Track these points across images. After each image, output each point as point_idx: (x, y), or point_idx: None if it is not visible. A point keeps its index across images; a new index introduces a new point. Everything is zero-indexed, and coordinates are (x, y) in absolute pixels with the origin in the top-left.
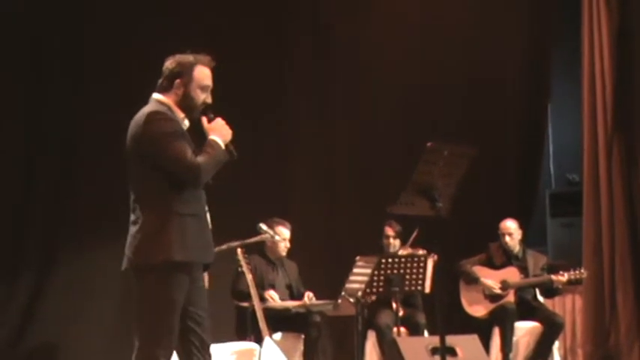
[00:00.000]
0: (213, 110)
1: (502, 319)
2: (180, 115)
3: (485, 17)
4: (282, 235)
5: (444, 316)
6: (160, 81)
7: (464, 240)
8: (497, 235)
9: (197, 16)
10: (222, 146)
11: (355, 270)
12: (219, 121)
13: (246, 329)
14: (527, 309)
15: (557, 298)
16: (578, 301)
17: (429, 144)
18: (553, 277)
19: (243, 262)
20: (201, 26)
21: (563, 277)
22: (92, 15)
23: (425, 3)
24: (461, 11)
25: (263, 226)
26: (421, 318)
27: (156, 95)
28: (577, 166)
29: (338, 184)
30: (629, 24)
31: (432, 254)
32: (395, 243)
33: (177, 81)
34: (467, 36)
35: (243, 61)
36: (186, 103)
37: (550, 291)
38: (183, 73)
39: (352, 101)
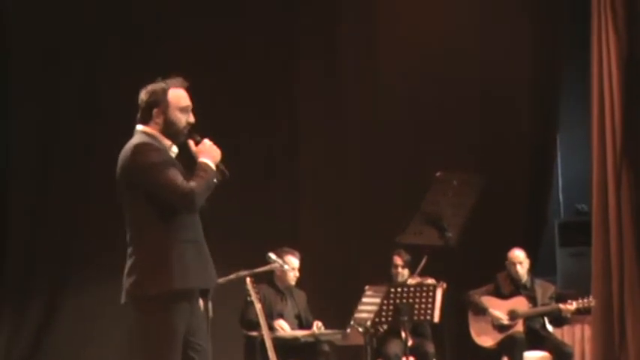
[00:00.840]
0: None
1: (511, 349)
2: (167, 142)
3: (494, 47)
4: (291, 265)
5: (453, 345)
6: (138, 114)
7: (472, 269)
8: (505, 265)
9: (202, 23)
10: (213, 167)
11: (364, 299)
12: (206, 143)
13: (255, 359)
14: (536, 338)
15: (566, 328)
16: (588, 330)
17: (438, 174)
18: (561, 305)
19: (252, 292)
20: (204, 35)
21: (572, 305)
22: (93, 24)
23: (434, 29)
24: (470, 39)
25: (272, 256)
26: (430, 347)
27: (139, 127)
28: (586, 196)
29: (347, 214)
30: (639, 53)
31: (441, 283)
32: (404, 272)
33: (155, 110)
34: (476, 67)
35: (254, 84)
36: (170, 130)
37: (559, 320)
38: (158, 101)
39: (362, 131)
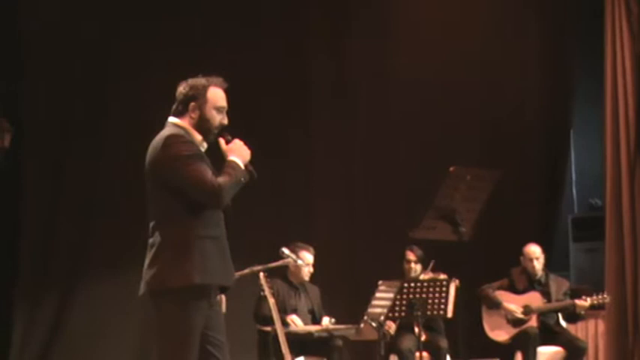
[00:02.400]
0: (237, 133)
1: (524, 343)
2: (198, 138)
3: (508, 44)
4: (305, 260)
5: (466, 340)
6: (174, 106)
7: (485, 264)
8: (518, 260)
9: (216, 36)
10: (242, 167)
11: (378, 294)
12: (237, 142)
13: (268, 353)
14: (549, 334)
15: (579, 323)
16: (601, 325)
17: (451, 168)
18: (576, 301)
19: (265, 287)
20: (218, 48)
21: (586, 301)
22: (115, 43)
23: (446, 26)
24: (483, 36)
25: (286, 251)
26: (443, 342)
27: (172, 119)
28: (599, 191)
29: (360, 209)
30: None
31: (454, 279)
32: (416, 267)
33: (192, 104)
34: (489, 61)
35: (264, 85)
36: (203, 126)
37: (573, 316)
38: (197, 95)
39: (373, 126)
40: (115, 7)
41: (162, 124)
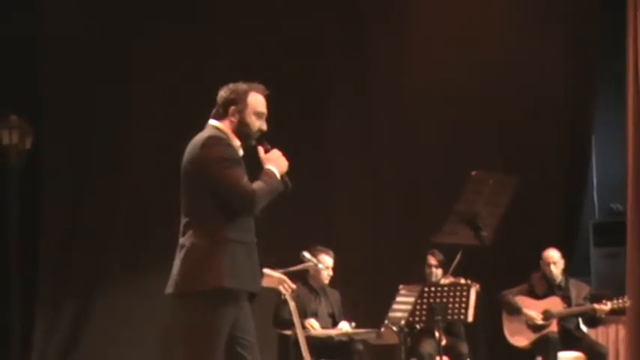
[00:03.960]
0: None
1: (545, 349)
2: (236, 142)
3: (529, 48)
4: (325, 264)
5: (487, 345)
6: (214, 109)
7: (506, 269)
8: (539, 265)
9: (234, 39)
10: (278, 176)
11: (398, 299)
12: (275, 152)
13: (288, 357)
14: (570, 339)
15: (600, 328)
16: (622, 330)
17: (473, 173)
18: (596, 306)
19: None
20: (238, 52)
21: (606, 306)
22: (139, 56)
23: (467, 29)
24: (504, 39)
25: (306, 255)
26: (464, 347)
27: (212, 122)
28: (620, 196)
29: (381, 212)
30: None
31: (475, 283)
32: (437, 272)
33: (232, 108)
34: (511, 67)
35: (285, 86)
36: (242, 130)
37: (593, 320)
38: (238, 100)
39: (395, 129)
40: (127, 14)
41: (175, 130)
